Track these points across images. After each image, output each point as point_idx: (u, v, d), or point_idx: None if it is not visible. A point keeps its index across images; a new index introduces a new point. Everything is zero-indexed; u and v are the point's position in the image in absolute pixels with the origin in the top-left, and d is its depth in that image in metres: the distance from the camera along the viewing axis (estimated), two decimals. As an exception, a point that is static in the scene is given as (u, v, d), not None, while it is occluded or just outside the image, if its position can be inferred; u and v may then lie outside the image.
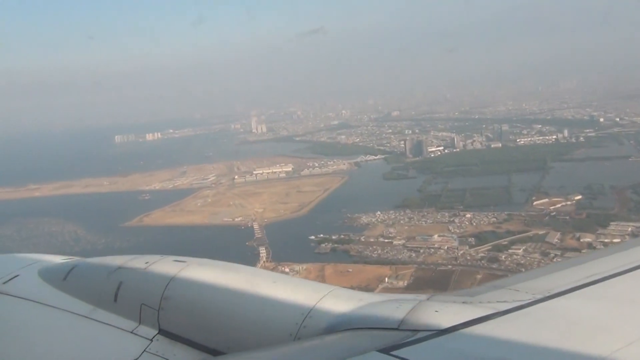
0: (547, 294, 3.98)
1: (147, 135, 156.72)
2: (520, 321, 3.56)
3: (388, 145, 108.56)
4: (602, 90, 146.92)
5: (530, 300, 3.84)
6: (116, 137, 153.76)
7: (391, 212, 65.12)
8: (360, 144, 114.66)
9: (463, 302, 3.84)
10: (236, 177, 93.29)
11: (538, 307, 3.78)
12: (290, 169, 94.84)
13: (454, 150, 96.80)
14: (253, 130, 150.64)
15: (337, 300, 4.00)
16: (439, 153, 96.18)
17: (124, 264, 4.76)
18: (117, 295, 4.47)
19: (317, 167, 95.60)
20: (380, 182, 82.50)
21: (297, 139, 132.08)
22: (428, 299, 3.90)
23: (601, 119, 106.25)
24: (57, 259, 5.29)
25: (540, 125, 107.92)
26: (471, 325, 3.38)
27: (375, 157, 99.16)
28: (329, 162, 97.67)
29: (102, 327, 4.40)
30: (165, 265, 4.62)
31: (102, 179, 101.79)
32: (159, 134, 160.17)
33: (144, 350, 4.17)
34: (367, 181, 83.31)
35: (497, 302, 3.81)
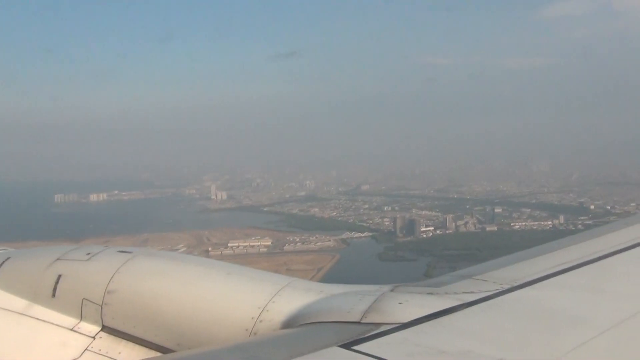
0: (515, 284, 4.11)
1: (90, 195, 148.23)
2: (487, 312, 3.68)
3: (371, 222, 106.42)
4: (579, 175, 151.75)
5: (497, 291, 3.97)
6: (56, 195, 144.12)
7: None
8: (339, 218, 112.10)
9: (428, 293, 3.90)
10: (210, 249, 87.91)
11: (505, 297, 3.91)
12: (269, 243, 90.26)
13: (447, 231, 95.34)
14: (212, 197, 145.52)
15: (296, 293, 3.99)
16: (431, 234, 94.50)
17: (63, 255, 4.57)
18: (55, 290, 4.32)
19: (299, 242, 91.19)
20: (376, 263, 78.81)
21: (265, 209, 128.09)
22: (392, 290, 3.93)
23: (591, 206, 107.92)
24: None
25: (529, 210, 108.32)
26: (436, 318, 3.44)
27: (362, 235, 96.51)
28: (311, 238, 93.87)
29: (39, 324, 4.26)
30: (110, 257, 4.50)
31: (48, 244, 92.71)
32: (105, 194, 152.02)
33: (86, 349, 4.09)
34: (362, 261, 79.38)
35: (464, 292, 3.90)
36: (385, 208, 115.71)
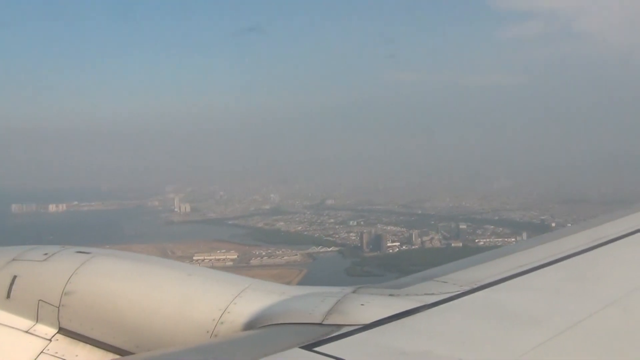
0: (475, 286, 4.17)
1: (50, 205, 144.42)
2: (447, 314, 3.73)
3: (337, 236, 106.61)
4: (539, 192, 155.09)
5: (457, 292, 4.02)
6: (13, 205, 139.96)
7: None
8: (305, 232, 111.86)
9: (390, 295, 3.95)
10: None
11: (466, 299, 3.96)
12: (235, 256, 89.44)
13: (412, 247, 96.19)
14: (176, 210, 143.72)
15: (257, 294, 4.00)
16: (397, 249, 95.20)
17: (18, 255, 4.51)
18: (10, 291, 4.26)
19: (265, 256, 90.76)
20: (344, 277, 78.50)
21: (230, 222, 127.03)
22: (354, 292, 3.97)
23: (553, 224, 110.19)
24: None
25: (492, 226, 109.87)
26: (398, 319, 3.48)
27: (329, 249, 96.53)
28: (277, 252, 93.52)
29: None
30: (67, 257, 4.45)
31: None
32: (64, 205, 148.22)
33: (42, 352, 4.04)
34: (330, 276, 78.65)
35: (425, 294, 3.95)
36: (351, 222, 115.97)
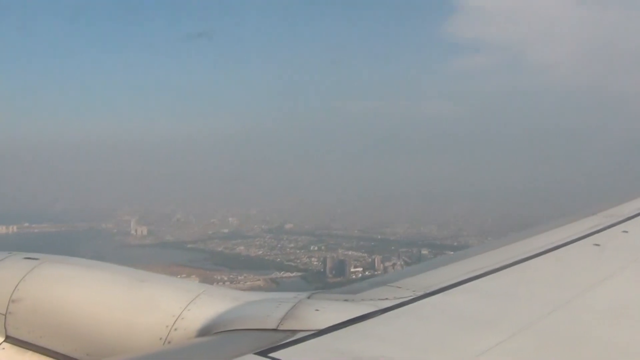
0: (428, 290, 4.23)
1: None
2: (401, 318, 3.75)
3: (298, 261, 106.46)
4: (494, 218, 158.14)
5: (411, 297, 4.06)
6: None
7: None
8: (266, 257, 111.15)
9: (344, 300, 3.97)
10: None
11: (419, 303, 4.01)
12: (197, 281, 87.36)
13: (375, 272, 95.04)
14: (132, 232, 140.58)
15: (211, 300, 3.96)
16: (360, 274, 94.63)
17: None
18: None
19: (227, 281, 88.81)
20: (309, 304, 78.24)
21: (189, 246, 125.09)
22: (309, 297, 3.98)
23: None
24: None
25: (452, 252, 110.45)
26: (352, 324, 3.50)
27: (292, 275, 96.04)
28: (239, 277, 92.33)
29: None
30: (15, 263, 4.38)
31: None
32: (14, 227, 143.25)
33: None
34: (295, 302, 78.62)
35: (379, 299, 3.97)
36: (312, 247, 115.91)
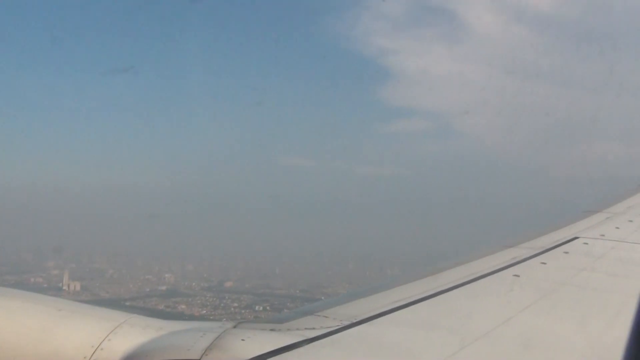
0: (354, 320, 4.34)
1: None
2: (327, 348, 3.79)
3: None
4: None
5: (338, 327, 4.14)
6: None
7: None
8: (210, 317, 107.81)
9: (271, 330, 4.04)
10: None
11: (345, 333, 4.08)
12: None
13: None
14: (64, 288, 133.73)
15: (133, 330, 3.95)
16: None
17: None
18: None
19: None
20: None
21: (127, 304, 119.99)
22: (234, 327, 4.06)
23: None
24: None
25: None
26: (278, 354, 3.52)
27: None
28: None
29: None
30: None
31: None
32: None
33: None
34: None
35: (306, 329, 4.06)
36: (257, 307, 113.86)
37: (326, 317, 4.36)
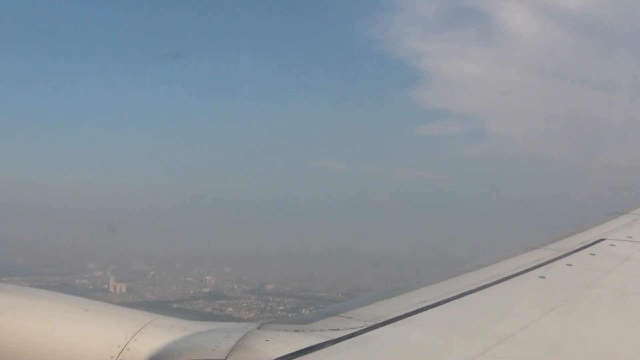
0: (378, 321, 4.33)
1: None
2: (351, 349, 3.81)
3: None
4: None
5: (361, 328, 4.16)
6: None
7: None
8: (260, 320, 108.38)
9: (295, 331, 4.06)
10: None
11: (369, 334, 4.09)
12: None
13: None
14: (110, 289, 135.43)
15: (159, 330, 4.00)
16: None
17: None
18: None
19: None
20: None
21: (175, 306, 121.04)
22: (259, 328, 4.11)
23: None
24: None
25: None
26: (302, 355, 3.54)
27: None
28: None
29: None
30: None
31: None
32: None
33: None
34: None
35: (329, 330, 4.07)
36: (303, 311, 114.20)
37: (350, 318, 4.39)
